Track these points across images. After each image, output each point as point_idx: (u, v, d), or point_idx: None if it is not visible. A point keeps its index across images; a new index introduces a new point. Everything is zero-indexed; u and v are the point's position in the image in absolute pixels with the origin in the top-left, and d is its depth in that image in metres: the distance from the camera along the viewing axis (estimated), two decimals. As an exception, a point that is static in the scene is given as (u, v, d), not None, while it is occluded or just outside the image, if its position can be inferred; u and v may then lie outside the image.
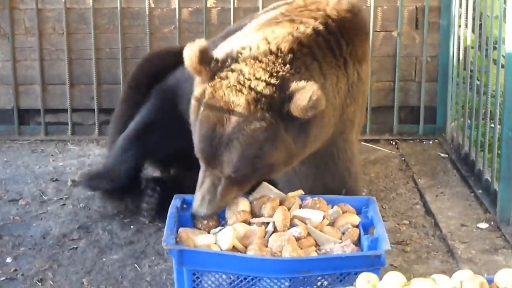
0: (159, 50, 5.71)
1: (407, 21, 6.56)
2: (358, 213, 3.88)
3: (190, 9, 6.59)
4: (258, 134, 3.66)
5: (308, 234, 3.67)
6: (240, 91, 3.68)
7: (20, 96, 6.70)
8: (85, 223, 4.81)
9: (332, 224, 3.79)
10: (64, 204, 5.11)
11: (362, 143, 6.29)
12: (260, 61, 3.77)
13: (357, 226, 3.75)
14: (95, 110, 6.67)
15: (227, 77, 3.74)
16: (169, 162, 5.01)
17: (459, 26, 6.05)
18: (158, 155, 4.73)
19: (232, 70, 3.76)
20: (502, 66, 4.87)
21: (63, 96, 6.67)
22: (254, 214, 3.86)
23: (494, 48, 5.62)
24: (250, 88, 3.68)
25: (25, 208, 5.06)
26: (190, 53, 3.78)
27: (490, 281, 3.03)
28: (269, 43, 3.86)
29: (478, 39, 5.63)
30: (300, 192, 4.02)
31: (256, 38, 3.93)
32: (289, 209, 3.84)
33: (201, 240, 3.63)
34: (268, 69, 3.73)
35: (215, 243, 3.63)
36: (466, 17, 5.84)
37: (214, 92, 3.74)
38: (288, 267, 3.39)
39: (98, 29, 6.59)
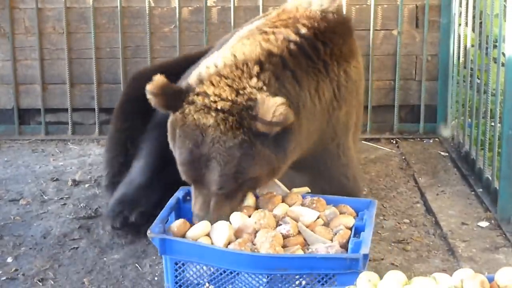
0: (147, 68, 5.63)
1: (407, 19, 6.56)
2: (358, 215, 3.88)
3: (190, 8, 6.59)
4: (234, 152, 3.70)
5: (299, 232, 3.69)
6: (208, 113, 3.71)
7: (20, 95, 6.70)
8: (85, 222, 4.81)
9: (327, 224, 3.79)
10: (64, 204, 5.11)
11: (363, 142, 6.29)
12: (226, 78, 3.78)
13: (351, 228, 3.75)
14: (96, 109, 6.67)
15: (193, 102, 3.76)
16: None
17: (459, 24, 6.06)
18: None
19: (198, 94, 3.77)
20: (502, 65, 4.87)
21: (64, 96, 6.67)
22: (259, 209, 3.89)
23: (495, 46, 5.62)
24: (216, 110, 3.70)
25: (26, 207, 5.06)
26: (152, 93, 3.77)
27: (491, 280, 3.03)
28: (235, 58, 3.88)
29: (478, 38, 5.63)
30: (306, 189, 4.04)
31: (223, 56, 3.94)
32: (290, 206, 3.88)
33: (192, 231, 3.70)
34: (234, 86, 3.75)
35: (207, 235, 3.68)
36: (466, 16, 5.84)
37: (184, 118, 3.78)
38: (263, 263, 3.42)
39: (98, 28, 6.59)
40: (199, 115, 3.73)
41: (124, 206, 4.51)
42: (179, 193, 4.06)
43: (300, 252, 3.54)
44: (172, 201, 3.97)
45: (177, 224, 3.71)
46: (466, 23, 5.85)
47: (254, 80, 3.77)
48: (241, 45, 4.00)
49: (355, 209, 3.91)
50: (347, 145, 4.42)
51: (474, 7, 5.73)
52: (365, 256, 3.36)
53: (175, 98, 3.80)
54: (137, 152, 4.77)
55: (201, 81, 3.81)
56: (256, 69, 3.82)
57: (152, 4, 6.56)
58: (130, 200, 4.53)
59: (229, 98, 3.71)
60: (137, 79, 5.04)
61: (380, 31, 6.57)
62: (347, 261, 3.35)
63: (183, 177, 3.90)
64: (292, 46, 4.01)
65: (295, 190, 4.03)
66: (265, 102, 3.63)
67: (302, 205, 3.91)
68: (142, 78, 4.86)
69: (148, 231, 3.60)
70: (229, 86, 3.74)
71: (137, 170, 4.68)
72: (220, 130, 3.68)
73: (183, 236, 3.68)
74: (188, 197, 4.07)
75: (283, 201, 3.94)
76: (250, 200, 3.94)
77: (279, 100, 3.62)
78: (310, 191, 4.06)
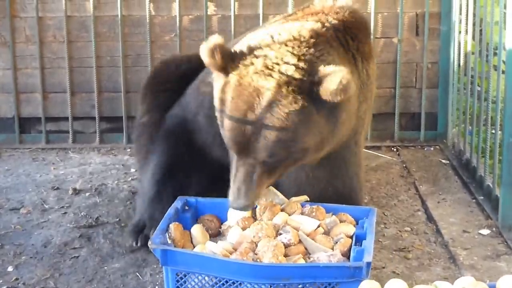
0: (172, 57, 5.67)
1: (407, 27, 6.57)
2: (358, 223, 3.88)
3: (190, 16, 6.60)
4: (293, 117, 3.59)
5: (300, 241, 3.68)
6: (270, 75, 3.61)
7: (21, 104, 6.71)
8: (86, 231, 4.80)
9: (328, 233, 3.79)
10: (65, 213, 5.11)
11: (364, 150, 6.28)
12: (286, 45, 3.71)
13: (351, 237, 3.74)
14: (96, 118, 6.67)
15: (252, 63, 3.67)
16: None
17: (460, 32, 6.06)
18: (190, 191, 4.55)
19: (257, 56, 3.69)
20: (503, 72, 4.87)
21: (64, 104, 6.67)
22: (256, 219, 3.89)
23: (495, 54, 5.62)
24: (279, 72, 3.61)
25: (26, 216, 5.05)
26: (209, 50, 3.69)
27: (493, 288, 3.03)
28: (289, 30, 3.81)
29: (478, 45, 5.63)
30: (304, 197, 4.03)
31: (275, 30, 3.87)
32: (290, 215, 3.87)
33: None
34: (295, 52, 3.67)
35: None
36: (467, 23, 5.84)
37: (240, 79, 3.66)
38: (266, 273, 3.40)
39: (99, 37, 6.60)
40: (258, 76, 3.62)
41: (144, 225, 4.52)
42: (177, 203, 4.02)
43: (301, 261, 3.53)
44: (171, 211, 3.92)
45: (176, 234, 3.72)
46: (466, 31, 5.86)
47: (313, 50, 3.72)
48: (287, 24, 3.96)
49: (355, 218, 3.91)
50: (361, 144, 4.43)
51: (474, 15, 5.73)
52: (368, 264, 3.35)
53: (231, 59, 3.71)
54: (146, 162, 4.77)
55: (258, 47, 3.74)
56: (312, 41, 3.76)
57: (153, 13, 6.57)
58: (148, 219, 4.51)
59: (292, 62, 3.63)
60: (160, 68, 5.14)
61: (380, 39, 6.58)
62: (351, 270, 3.33)
63: (229, 145, 3.77)
64: (330, 31, 3.96)
65: (294, 199, 4.02)
66: (329, 69, 3.55)
67: (302, 213, 3.91)
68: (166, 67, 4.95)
69: (149, 242, 3.57)
70: (290, 52, 3.67)
71: (146, 182, 4.67)
72: (281, 93, 3.58)
73: (183, 246, 3.68)
74: (186, 207, 4.06)
75: (282, 210, 3.93)
76: (280, 195, 3.96)
77: (344, 69, 3.55)
78: (308, 199, 4.05)
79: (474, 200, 5.25)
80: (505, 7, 4.77)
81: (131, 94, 6.51)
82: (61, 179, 5.77)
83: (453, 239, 4.65)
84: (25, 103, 6.71)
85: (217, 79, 3.83)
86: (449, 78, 6.41)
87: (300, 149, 3.72)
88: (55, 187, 5.57)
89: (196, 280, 3.54)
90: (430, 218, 5.01)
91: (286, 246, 3.61)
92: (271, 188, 4.01)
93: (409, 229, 4.85)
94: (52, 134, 6.75)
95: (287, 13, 4.73)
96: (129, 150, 6.42)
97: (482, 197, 5.21)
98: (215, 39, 3.71)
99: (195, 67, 4.60)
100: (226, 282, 3.47)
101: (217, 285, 3.49)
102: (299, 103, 3.59)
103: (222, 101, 3.76)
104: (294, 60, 3.64)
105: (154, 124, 4.86)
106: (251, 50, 3.75)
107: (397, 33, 6.53)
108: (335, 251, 3.58)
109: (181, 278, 3.56)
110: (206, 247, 3.67)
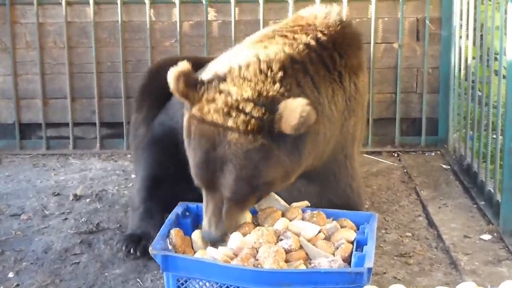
0: (168, 58, 5.65)
1: (408, 32, 6.57)
2: (359, 228, 3.87)
3: (191, 22, 6.60)
4: (252, 156, 3.65)
5: (300, 247, 3.67)
6: (229, 114, 3.65)
7: (21, 110, 6.71)
8: (87, 237, 4.79)
9: (329, 238, 3.78)
10: (66, 219, 5.10)
11: (364, 155, 6.29)
12: (249, 81, 3.74)
13: (352, 242, 3.73)
14: (97, 124, 6.67)
15: (214, 100, 3.71)
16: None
17: (460, 37, 6.06)
18: (180, 199, 4.55)
19: (220, 92, 3.72)
20: (504, 77, 4.86)
21: (65, 110, 6.68)
22: (257, 225, 3.89)
23: (495, 59, 5.62)
24: (238, 110, 3.65)
25: (27, 222, 5.04)
26: (174, 77, 3.74)
27: (494, 293, 3.03)
28: (259, 61, 3.84)
29: (479, 50, 5.63)
30: (305, 203, 4.03)
31: (247, 56, 3.91)
32: (290, 221, 3.87)
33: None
34: (257, 88, 3.70)
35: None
36: (467, 28, 5.84)
37: (203, 116, 3.72)
38: (267, 279, 3.40)
39: (99, 43, 6.60)
40: (218, 114, 3.67)
41: (138, 237, 4.47)
42: (178, 209, 4.03)
43: (302, 267, 3.52)
44: (172, 216, 3.94)
45: (177, 239, 3.73)
46: (467, 36, 5.86)
47: (277, 85, 3.74)
48: (264, 47, 3.98)
49: (356, 223, 3.91)
50: (353, 157, 4.43)
51: (474, 20, 5.73)
52: (369, 270, 3.34)
53: (195, 89, 3.74)
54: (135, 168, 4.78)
55: (223, 79, 3.77)
56: (279, 74, 3.79)
57: (153, 18, 6.57)
58: (142, 234, 4.46)
59: (252, 99, 3.66)
60: (155, 70, 5.09)
61: (381, 44, 6.58)
62: (352, 275, 3.33)
63: (195, 179, 3.84)
64: (312, 54, 4.01)
65: (294, 204, 4.02)
66: (289, 103, 3.58)
67: (303, 219, 3.91)
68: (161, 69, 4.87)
69: (150, 248, 3.58)
70: (252, 88, 3.70)
71: (136, 200, 4.65)
72: (239, 132, 3.62)
73: (184, 252, 3.69)
74: (187, 213, 4.06)
75: (283, 215, 3.93)
76: (247, 216, 3.92)
77: (303, 100, 3.58)
78: (309, 205, 4.05)
79: (475, 205, 5.24)
80: (505, 12, 4.78)
81: (131, 100, 6.48)
82: (61, 185, 5.77)
83: (454, 244, 4.64)
84: (25, 109, 6.72)
85: (186, 106, 3.88)
86: (450, 83, 6.41)
87: (264, 183, 3.78)
88: (56, 193, 5.57)
89: (197, 286, 3.54)
90: (431, 223, 5.00)
91: (287, 251, 3.61)
92: (272, 194, 4.01)
93: (410, 234, 4.84)
94: (52, 140, 6.75)
95: (279, 21, 4.71)
96: (129, 156, 6.41)
97: (483, 202, 5.20)
98: (182, 66, 3.76)
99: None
100: (227, 287, 3.47)
101: None
102: (258, 141, 3.64)
103: (188, 133, 3.84)
104: (254, 97, 3.67)
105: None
106: (215, 82, 3.78)
107: (397, 38, 6.54)
108: (336, 257, 3.57)
109: (182, 284, 3.56)
110: (207, 253, 3.67)
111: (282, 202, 4.02)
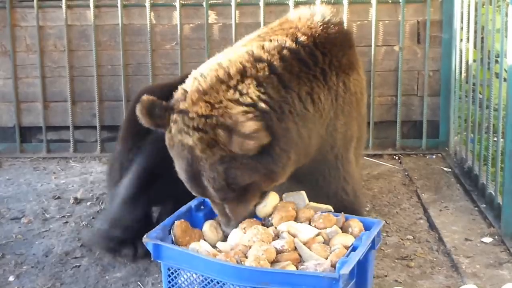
0: (153, 86, 5.66)
1: (408, 35, 6.57)
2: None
3: (191, 25, 6.60)
4: (217, 168, 3.70)
5: (294, 248, 3.69)
6: (187, 133, 3.72)
7: (21, 113, 6.71)
8: (87, 240, 4.79)
9: (328, 242, 3.77)
10: (66, 222, 5.10)
11: (365, 158, 6.28)
12: (205, 93, 3.77)
13: (349, 247, 3.71)
14: (97, 127, 6.67)
15: (176, 121, 3.78)
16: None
17: (461, 40, 6.06)
18: (166, 198, 4.59)
19: (180, 112, 3.77)
20: (505, 80, 4.85)
21: (65, 113, 6.67)
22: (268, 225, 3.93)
23: (496, 61, 5.61)
24: (194, 128, 3.70)
25: (28, 226, 5.04)
26: (140, 114, 3.80)
27: (496, 296, 3.02)
28: (220, 66, 3.87)
29: (480, 53, 5.63)
30: (327, 207, 4.01)
31: (211, 65, 3.94)
32: (302, 220, 3.92)
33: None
34: (211, 100, 3.73)
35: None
36: (468, 31, 5.84)
37: (172, 137, 3.81)
38: (246, 276, 3.43)
39: (100, 46, 6.60)
40: (181, 134, 3.75)
41: (110, 225, 4.45)
42: (193, 202, 4.12)
43: (291, 268, 3.54)
44: (182, 209, 4.04)
45: (177, 230, 3.85)
46: (468, 39, 5.86)
47: (231, 92, 3.76)
48: (232, 51, 4.03)
49: (365, 228, 3.88)
50: (347, 159, 4.38)
51: (475, 23, 5.73)
52: (343, 276, 3.31)
53: (163, 116, 3.82)
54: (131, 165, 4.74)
55: (184, 97, 3.81)
56: (236, 77, 3.81)
57: (154, 22, 6.57)
58: (114, 219, 4.45)
59: (204, 114, 3.70)
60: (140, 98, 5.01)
61: (381, 47, 6.58)
62: (325, 280, 3.33)
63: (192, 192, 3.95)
64: (285, 51, 4.00)
65: (312, 204, 4.02)
66: (239, 126, 3.61)
67: (311, 220, 3.90)
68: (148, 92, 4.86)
69: (145, 236, 3.69)
70: (205, 101, 3.73)
71: (124, 184, 4.59)
72: (199, 150, 3.69)
73: (187, 243, 3.79)
74: (202, 206, 4.15)
75: (297, 214, 3.94)
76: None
77: (253, 125, 3.60)
78: (332, 210, 4.02)
79: (476, 208, 5.23)
80: (506, 15, 4.78)
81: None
82: (62, 188, 5.77)
83: (455, 247, 4.63)
84: (26, 112, 6.72)
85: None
86: (451, 86, 6.41)
87: (247, 185, 3.81)
88: (56, 196, 5.57)
89: (185, 276, 3.64)
90: (432, 226, 5.00)
91: (279, 252, 3.64)
92: (302, 192, 4.06)
93: (411, 237, 4.84)
94: (53, 143, 6.75)
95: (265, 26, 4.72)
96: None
97: (484, 205, 5.19)
98: (143, 101, 3.80)
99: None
100: (212, 281, 3.54)
101: (204, 283, 3.57)
102: (216, 155, 3.69)
103: (170, 154, 3.93)
104: (207, 111, 3.70)
105: None
106: (177, 102, 3.82)
107: (398, 41, 6.53)
108: (323, 260, 3.57)
109: (172, 273, 3.68)
110: (200, 246, 3.71)
111: (307, 200, 4.04)
